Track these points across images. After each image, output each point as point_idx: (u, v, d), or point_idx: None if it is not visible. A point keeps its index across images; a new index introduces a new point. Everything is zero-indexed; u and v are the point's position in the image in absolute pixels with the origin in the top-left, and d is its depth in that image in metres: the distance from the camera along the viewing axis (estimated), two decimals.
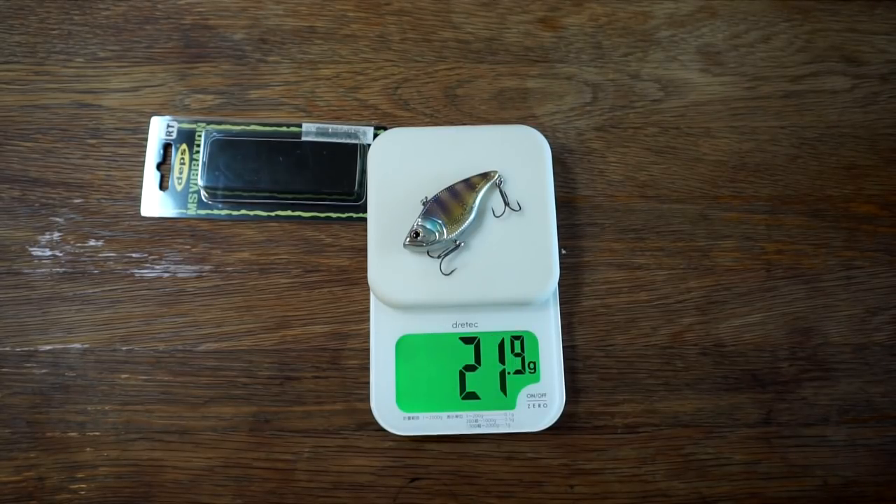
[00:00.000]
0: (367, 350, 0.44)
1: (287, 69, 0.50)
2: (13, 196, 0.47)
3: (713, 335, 0.46)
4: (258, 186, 0.46)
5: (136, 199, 0.47)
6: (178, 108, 0.49)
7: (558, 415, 0.43)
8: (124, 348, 0.45)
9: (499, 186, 0.45)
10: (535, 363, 0.44)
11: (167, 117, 0.49)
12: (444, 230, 0.43)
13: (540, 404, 0.43)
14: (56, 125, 0.48)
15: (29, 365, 0.45)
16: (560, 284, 0.46)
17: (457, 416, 0.43)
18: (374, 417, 0.43)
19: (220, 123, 0.48)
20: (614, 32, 0.51)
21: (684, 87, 0.50)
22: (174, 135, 0.48)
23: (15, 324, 0.45)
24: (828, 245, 0.48)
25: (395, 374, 0.43)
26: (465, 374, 0.44)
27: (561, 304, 0.45)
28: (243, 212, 0.47)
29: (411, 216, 0.44)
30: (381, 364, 0.44)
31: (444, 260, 0.43)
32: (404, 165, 0.45)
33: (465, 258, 0.44)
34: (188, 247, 0.47)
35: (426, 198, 0.44)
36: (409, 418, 0.43)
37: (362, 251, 0.46)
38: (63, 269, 0.46)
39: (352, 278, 0.46)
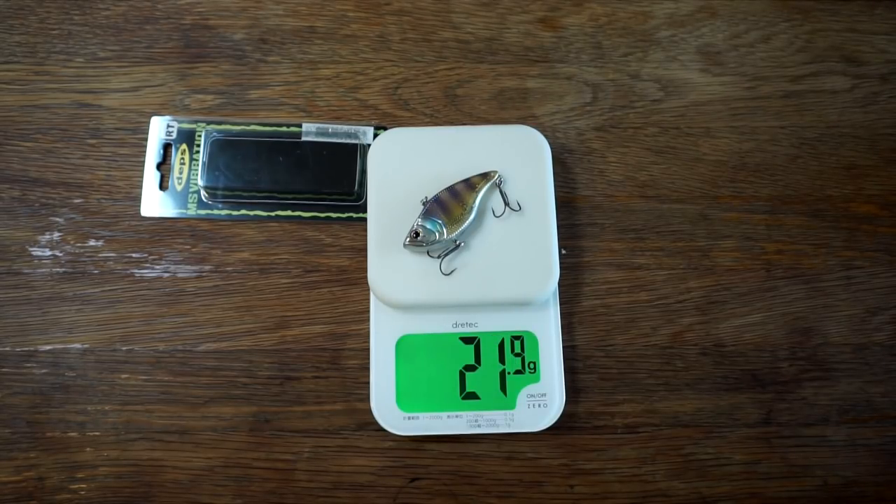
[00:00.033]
0: (367, 350, 0.44)
1: (287, 69, 0.50)
2: (13, 196, 0.47)
3: (713, 335, 0.46)
4: (258, 186, 0.46)
5: (136, 199, 0.47)
6: (178, 108, 0.49)
7: (558, 415, 0.43)
8: (124, 348, 0.45)
9: (499, 186, 0.45)
10: (535, 363, 0.44)
11: (167, 117, 0.49)
12: (444, 230, 0.43)
13: (540, 404, 0.43)
14: (56, 125, 0.48)
15: (29, 365, 0.45)
16: (560, 284, 0.46)
17: (457, 416, 0.43)
18: (374, 417, 0.43)
19: (220, 123, 0.48)
20: (614, 32, 0.51)
21: (684, 87, 0.50)
22: (174, 135, 0.48)
23: (15, 324, 0.45)
24: (828, 245, 0.48)
25: (395, 374, 0.43)
26: (465, 374, 0.44)
27: (561, 304, 0.45)
28: (243, 212, 0.47)
29: (411, 216, 0.44)
30: (381, 364, 0.44)
31: (444, 260, 0.43)
32: (404, 165, 0.45)
33: (465, 258, 0.44)
34: (188, 247, 0.47)
35: (426, 198, 0.44)
36: (409, 418, 0.43)
37: (362, 251, 0.46)
38: (63, 269, 0.46)
39: (352, 278, 0.46)
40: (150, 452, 0.43)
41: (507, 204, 0.45)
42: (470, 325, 0.44)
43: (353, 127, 0.48)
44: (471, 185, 0.44)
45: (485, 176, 0.45)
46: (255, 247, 0.47)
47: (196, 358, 0.45)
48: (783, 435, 0.44)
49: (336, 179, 0.47)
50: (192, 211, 0.47)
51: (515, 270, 0.43)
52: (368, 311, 0.45)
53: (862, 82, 0.51)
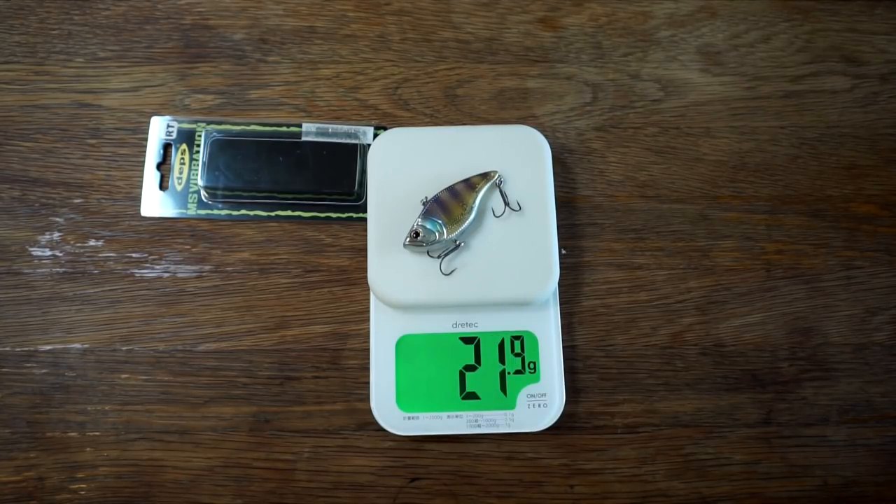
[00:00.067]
0: (367, 350, 0.44)
1: (287, 69, 0.50)
2: (13, 196, 0.47)
3: (713, 335, 0.46)
4: (258, 186, 0.46)
5: (136, 199, 0.47)
6: (178, 108, 0.49)
7: (558, 415, 0.43)
8: (124, 348, 0.45)
9: (499, 186, 0.45)
10: (535, 363, 0.44)
11: (167, 117, 0.49)
12: (444, 230, 0.43)
13: (540, 404, 0.43)
14: (56, 125, 0.48)
15: (29, 365, 0.45)
16: (560, 284, 0.46)
17: (457, 416, 0.43)
18: (374, 417, 0.43)
19: (220, 123, 0.48)
20: (614, 32, 0.51)
21: (684, 87, 0.50)
22: (174, 135, 0.48)
23: (15, 324, 0.45)
24: (828, 245, 0.48)
25: (395, 374, 0.43)
26: (465, 374, 0.44)
27: (561, 304, 0.45)
28: (243, 212, 0.47)
29: (411, 216, 0.44)
30: (381, 364, 0.44)
31: (444, 260, 0.43)
32: (404, 165, 0.45)
33: (465, 258, 0.44)
34: (188, 247, 0.47)
35: (426, 198, 0.44)
36: (409, 418, 0.43)
37: (362, 251, 0.46)
38: (63, 269, 0.46)
39: (352, 278, 0.46)
40: (150, 452, 0.43)
41: (507, 204, 0.45)
42: (470, 325, 0.44)
43: (353, 127, 0.48)
44: (471, 185, 0.44)
45: (485, 176, 0.45)
46: (255, 247, 0.47)
47: (196, 358, 0.45)
48: (783, 435, 0.44)
49: (336, 179, 0.47)
50: (192, 211, 0.47)
51: (515, 270, 0.43)
52: (368, 311, 0.45)
53: (862, 82, 0.51)
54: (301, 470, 0.43)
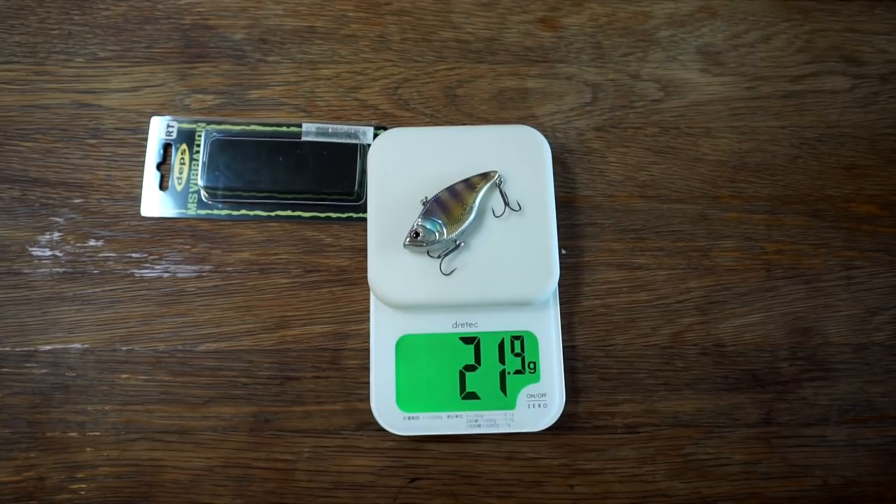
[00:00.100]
0: (367, 350, 0.44)
1: (287, 69, 0.50)
2: (13, 196, 0.47)
3: (713, 335, 0.46)
4: (258, 186, 0.46)
5: (136, 199, 0.47)
6: (178, 108, 0.49)
7: (558, 415, 0.43)
8: (124, 348, 0.45)
9: (499, 186, 0.45)
10: (535, 363, 0.44)
11: (167, 117, 0.49)
12: (444, 230, 0.43)
13: (540, 404, 0.43)
14: (56, 125, 0.48)
15: (29, 365, 0.45)
16: (560, 284, 0.46)
17: (457, 416, 0.43)
18: (374, 417, 0.43)
19: (220, 123, 0.48)
20: (614, 32, 0.51)
21: (684, 87, 0.50)
22: (174, 135, 0.48)
23: (15, 324, 0.45)
24: (828, 245, 0.48)
25: (395, 374, 0.43)
26: (465, 374, 0.44)
27: (561, 304, 0.45)
28: (243, 212, 0.47)
29: (411, 216, 0.44)
30: (381, 364, 0.44)
31: (444, 260, 0.43)
32: (404, 165, 0.45)
33: (465, 258, 0.44)
34: (188, 247, 0.47)
35: (426, 198, 0.44)
36: (409, 418, 0.43)
37: (362, 251, 0.46)
38: (63, 269, 0.46)
39: (352, 278, 0.46)
40: (150, 452, 0.43)
41: (507, 204, 0.45)
42: (470, 325, 0.44)
43: (353, 127, 0.48)
44: (471, 185, 0.44)
45: (485, 176, 0.45)
46: (255, 247, 0.47)
47: (196, 358, 0.45)
48: (783, 435, 0.44)
49: (336, 179, 0.47)
50: (192, 211, 0.47)
51: (515, 270, 0.43)
52: (368, 311, 0.45)
53: (862, 82, 0.51)
54: (301, 470, 0.43)
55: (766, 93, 0.50)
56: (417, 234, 0.43)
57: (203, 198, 0.47)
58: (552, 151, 0.46)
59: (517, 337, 0.44)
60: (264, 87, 0.50)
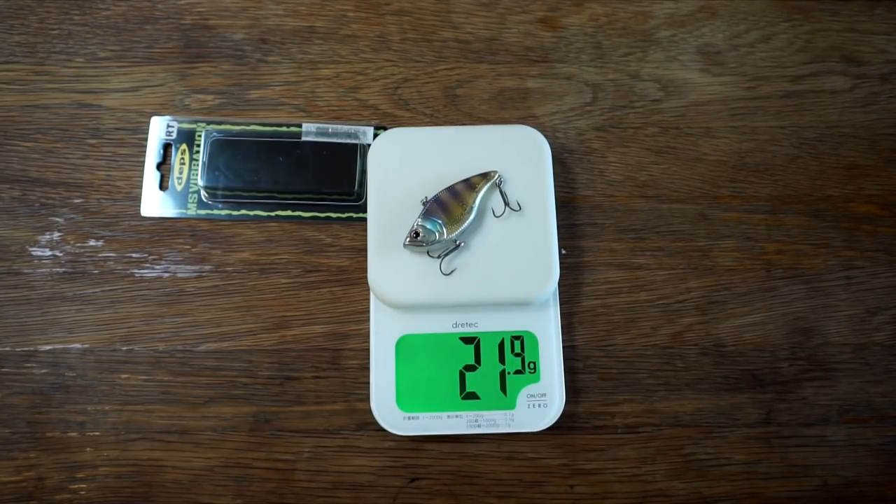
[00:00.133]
0: (367, 350, 0.44)
1: (287, 69, 0.50)
2: (13, 196, 0.47)
3: (713, 335, 0.46)
4: (258, 186, 0.46)
5: (136, 199, 0.47)
6: (178, 108, 0.49)
7: (558, 415, 0.43)
8: (124, 348, 0.45)
9: (499, 186, 0.45)
10: (535, 363, 0.44)
11: (167, 117, 0.49)
12: (444, 230, 0.43)
13: (540, 404, 0.43)
14: (56, 125, 0.48)
15: (29, 365, 0.45)
16: (560, 284, 0.46)
17: (457, 416, 0.43)
18: (374, 417, 0.43)
19: (220, 123, 0.48)
20: (614, 32, 0.51)
21: (684, 87, 0.50)
22: (174, 135, 0.48)
23: (15, 324, 0.45)
24: (828, 245, 0.48)
25: (395, 374, 0.43)
26: (465, 374, 0.44)
27: (561, 304, 0.45)
28: (243, 212, 0.47)
29: (411, 216, 0.44)
30: (381, 364, 0.44)
31: (444, 260, 0.43)
32: (404, 165, 0.45)
33: (465, 258, 0.44)
34: (188, 247, 0.47)
35: (426, 198, 0.44)
36: (409, 418, 0.43)
37: (362, 251, 0.46)
38: (63, 269, 0.46)
39: (352, 278, 0.46)
40: (150, 452, 0.43)
41: (507, 204, 0.45)
42: (470, 325, 0.44)
43: (353, 127, 0.48)
44: (471, 185, 0.44)
45: (485, 176, 0.45)
46: (255, 247, 0.47)
47: (196, 358, 0.45)
48: (783, 435, 0.44)
49: (336, 179, 0.47)
50: (192, 211, 0.47)
51: (515, 270, 0.43)
52: (368, 311, 0.45)
53: (862, 82, 0.51)
54: (301, 470, 0.43)
55: (766, 93, 0.50)
56: (417, 234, 0.43)
57: (203, 198, 0.47)
58: (552, 151, 0.46)
59: (517, 337, 0.44)
60: (264, 87, 0.50)
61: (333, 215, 0.47)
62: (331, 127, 0.48)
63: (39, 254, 0.46)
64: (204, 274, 0.46)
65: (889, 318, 0.46)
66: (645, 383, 0.45)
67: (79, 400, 0.44)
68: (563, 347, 0.44)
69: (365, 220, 0.46)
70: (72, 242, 0.46)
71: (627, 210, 0.48)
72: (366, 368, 0.44)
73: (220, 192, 0.47)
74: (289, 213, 0.47)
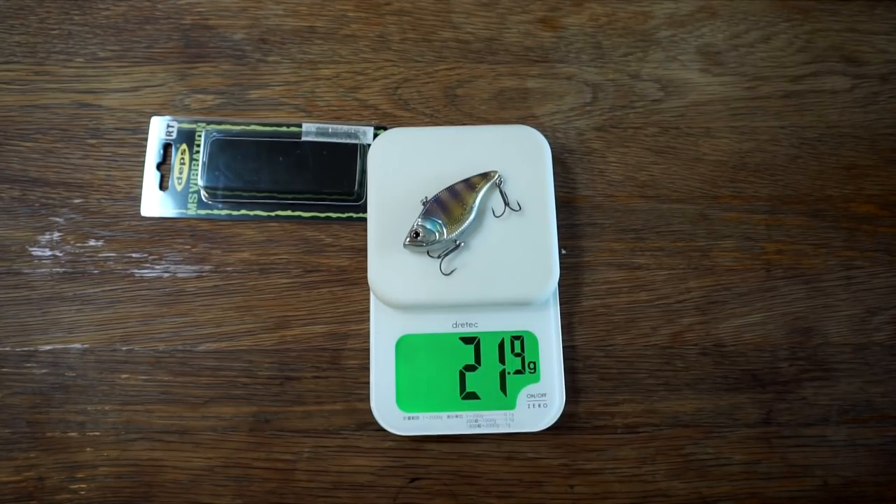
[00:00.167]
0: (367, 350, 0.44)
1: (287, 69, 0.50)
2: (13, 196, 0.47)
3: (713, 335, 0.46)
4: (258, 186, 0.46)
5: (136, 199, 0.47)
6: (178, 108, 0.49)
7: (558, 415, 0.43)
8: (124, 348, 0.45)
9: (499, 186, 0.45)
10: (535, 363, 0.44)
11: (167, 117, 0.49)
12: (444, 230, 0.43)
13: (540, 404, 0.43)
14: (56, 125, 0.48)
15: (29, 365, 0.45)
16: (560, 284, 0.46)
17: (457, 416, 0.43)
18: (374, 417, 0.43)
19: (220, 123, 0.48)
20: (614, 32, 0.51)
21: (684, 87, 0.50)
22: (174, 135, 0.48)
23: (15, 324, 0.45)
24: (828, 245, 0.48)
25: (395, 374, 0.43)
26: (465, 374, 0.44)
27: (561, 304, 0.45)
28: (243, 212, 0.47)
29: (411, 216, 0.44)
30: (381, 364, 0.44)
31: (444, 260, 0.43)
32: (404, 165, 0.45)
33: (465, 258, 0.44)
34: (188, 247, 0.47)
35: (426, 198, 0.44)
36: (409, 418, 0.43)
37: (362, 251, 0.46)
38: (63, 269, 0.46)
39: (352, 278, 0.46)
40: (150, 452, 0.43)
41: (507, 204, 0.45)
42: (470, 325, 0.44)
43: (353, 127, 0.48)
44: (471, 185, 0.44)
45: (485, 176, 0.45)
46: (255, 247, 0.47)
47: (196, 358, 0.45)
48: (783, 435, 0.44)
49: (336, 179, 0.47)
50: (192, 211, 0.47)
51: (515, 270, 0.43)
52: (368, 311, 0.45)
53: (862, 82, 0.51)
54: (301, 470, 0.43)
55: (766, 93, 0.50)
56: (417, 234, 0.43)
57: (203, 198, 0.47)
58: (552, 151, 0.46)
59: (517, 337, 0.44)
60: (264, 87, 0.50)
61: (333, 215, 0.47)
62: (331, 127, 0.48)
63: (39, 254, 0.46)
64: (204, 274, 0.46)
65: (889, 318, 0.46)
66: (645, 383, 0.45)
67: (79, 400, 0.44)
68: (563, 347, 0.44)
69: (365, 220, 0.46)
70: (72, 242, 0.46)
71: (627, 210, 0.48)
72: (366, 368, 0.44)
73: (220, 192, 0.47)
74: (289, 213, 0.47)
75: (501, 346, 0.44)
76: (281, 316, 0.46)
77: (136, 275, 0.46)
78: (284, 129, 0.48)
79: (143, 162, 0.48)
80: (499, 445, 0.44)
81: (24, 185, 0.47)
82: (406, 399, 0.43)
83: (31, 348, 0.45)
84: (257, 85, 0.50)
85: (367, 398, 0.44)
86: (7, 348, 0.45)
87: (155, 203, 0.47)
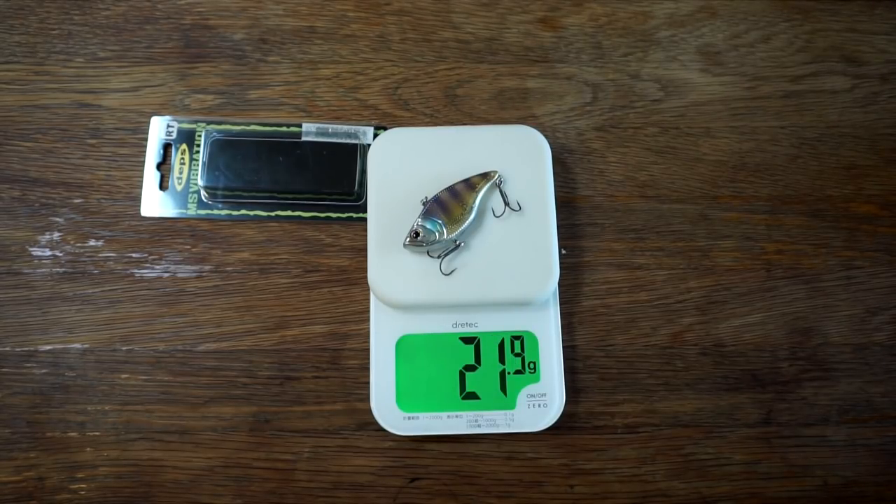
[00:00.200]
0: (367, 350, 0.44)
1: (287, 69, 0.50)
2: (13, 196, 0.47)
3: (713, 335, 0.46)
4: (258, 186, 0.46)
5: (136, 199, 0.47)
6: (178, 108, 0.49)
7: (558, 415, 0.43)
8: (124, 348, 0.45)
9: (499, 186, 0.45)
10: (535, 363, 0.44)
11: (167, 117, 0.49)
12: (444, 230, 0.43)
13: (540, 404, 0.43)
14: (56, 125, 0.48)
15: (29, 365, 0.45)
16: (560, 284, 0.46)
17: (457, 416, 0.43)
18: (374, 417, 0.43)
19: (220, 123, 0.48)
20: (614, 32, 0.51)
21: (684, 87, 0.50)
22: (174, 135, 0.48)
23: (15, 324, 0.45)
24: (828, 245, 0.48)
25: (395, 374, 0.43)
26: (465, 374, 0.44)
27: (561, 304, 0.45)
28: (243, 212, 0.47)
29: (411, 216, 0.44)
30: (381, 364, 0.44)
31: (444, 260, 0.43)
32: (404, 165, 0.45)
33: (465, 258, 0.44)
34: (188, 247, 0.47)
35: (426, 198, 0.44)
36: (409, 418, 0.43)
37: (362, 251, 0.46)
38: (63, 269, 0.46)
39: (352, 278, 0.46)
40: (150, 452, 0.43)
41: (507, 204, 0.45)
42: (470, 325, 0.44)
43: (353, 127, 0.48)
44: (471, 185, 0.44)
45: (485, 176, 0.45)
46: (255, 247, 0.47)
47: (196, 358, 0.45)
48: (783, 435, 0.44)
49: (336, 179, 0.47)
50: (192, 211, 0.47)
51: (515, 270, 0.43)
52: (368, 311, 0.45)
53: (862, 82, 0.51)
54: (301, 470, 0.43)
55: (766, 93, 0.50)
56: (417, 234, 0.43)
57: (203, 198, 0.47)
58: (552, 151, 0.46)
59: (517, 337, 0.44)
60: (264, 87, 0.50)
61: (333, 215, 0.47)
62: (331, 127, 0.48)
63: (39, 254, 0.46)
64: (204, 274, 0.46)
65: (889, 318, 0.46)
66: (645, 383, 0.45)
67: (79, 400, 0.44)
68: (563, 347, 0.44)
69: (365, 220, 0.46)
70: (72, 242, 0.46)
71: (627, 210, 0.48)
72: (366, 368, 0.44)
73: (220, 192, 0.47)
74: (289, 213, 0.47)
75: (501, 346, 0.44)
76: (281, 316, 0.46)
77: (136, 275, 0.46)
78: (284, 129, 0.48)
79: (143, 162, 0.48)
80: (499, 445, 0.44)
81: (24, 185, 0.47)
82: (406, 399, 0.43)
83: (31, 348, 0.45)
84: (257, 85, 0.50)
85: (367, 398, 0.44)
86: (7, 348, 0.45)
87: (155, 203, 0.47)
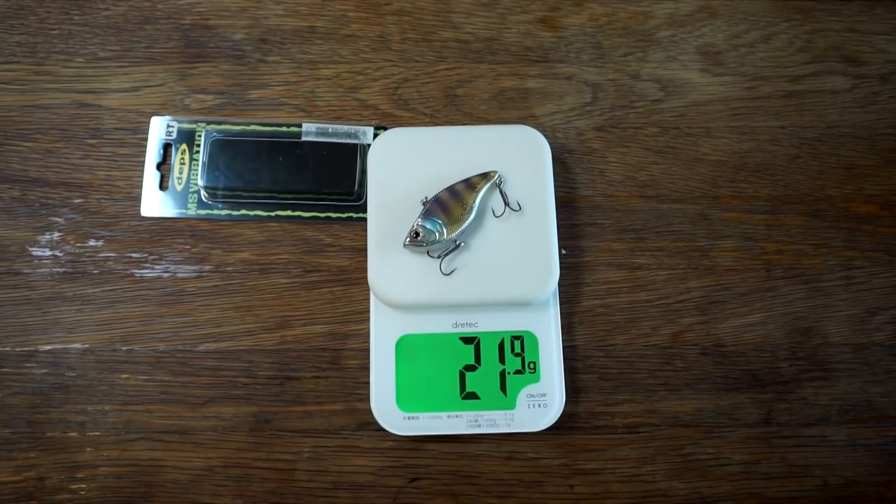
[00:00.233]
0: (367, 350, 0.44)
1: (287, 69, 0.50)
2: (13, 196, 0.47)
3: (713, 335, 0.46)
4: (258, 186, 0.47)
5: (136, 199, 0.47)
6: (178, 108, 0.49)
7: (558, 415, 0.43)
8: (124, 348, 0.45)
9: (499, 186, 0.45)
10: (535, 363, 0.44)
11: (167, 117, 0.49)
12: (444, 230, 0.43)
13: (540, 404, 0.43)
14: (56, 125, 0.48)
15: (29, 365, 0.45)
16: (560, 284, 0.46)
17: (457, 416, 0.43)
18: (374, 417, 0.43)
19: (220, 123, 0.48)
20: (614, 32, 0.51)
21: (684, 87, 0.50)
22: (174, 135, 0.48)
23: (15, 324, 0.45)
24: (828, 245, 0.48)
25: (395, 374, 0.43)
26: (465, 374, 0.44)
27: (561, 304, 0.45)
28: (243, 212, 0.47)
29: (411, 216, 0.44)
30: (381, 364, 0.44)
31: (444, 260, 0.43)
32: (404, 165, 0.45)
33: (465, 258, 0.44)
34: (188, 247, 0.47)
35: (426, 198, 0.44)
36: (409, 418, 0.43)
37: (362, 251, 0.46)
38: (63, 269, 0.46)
39: (352, 278, 0.46)
40: (150, 452, 0.43)
41: (507, 204, 0.45)
42: (470, 325, 0.44)
43: (353, 127, 0.48)
44: (471, 185, 0.44)
45: (485, 176, 0.45)
46: (255, 247, 0.47)
47: (196, 358, 0.45)
48: (783, 435, 0.44)
49: (336, 179, 0.47)
50: (192, 211, 0.47)
51: (515, 270, 0.43)
52: (368, 311, 0.45)
53: (862, 82, 0.51)
54: (301, 470, 0.43)
55: (766, 93, 0.50)
56: (417, 234, 0.43)
57: (203, 198, 0.47)
58: (552, 151, 0.46)
59: (517, 337, 0.44)
60: (264, 87, 0.50)
61: (333, 215, 0.47)
62: (331, 127, 0.48)
63: (39, 254, 0.46)
64: (204, 274, 0.46)
65: (889, 318, 0.46)
66: (645, 383, 0.45)
67: (79, 400, 0.44)
68: (563, 347, 0.44)
69: (365, 220, 0.46)
70: (72, 242, 0.46)
71: (627, 210, 0.48)
72: (366, 368, 0.44)
73: (220, 192, 0.47)
74: (289, 213, 0.47)
75: (501, 346, 0.44)
76: (281, 316, 0.46)
77: (136, 275, 0.46)
78: (284, 129, 0.48)
79: (143, 162, 0.48)
80: (499, 445, 0.44)
81: (24, 185, 0.47)
82: (406, 399, 0.43)
83: (31, 348, 0.45)
84: (257, 85, 0.50)
85: (367, 398, 0.44)
86: (7, 348, 0.45)
87: (155, 203, 0.47)
